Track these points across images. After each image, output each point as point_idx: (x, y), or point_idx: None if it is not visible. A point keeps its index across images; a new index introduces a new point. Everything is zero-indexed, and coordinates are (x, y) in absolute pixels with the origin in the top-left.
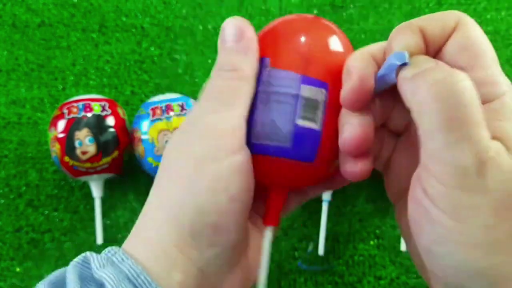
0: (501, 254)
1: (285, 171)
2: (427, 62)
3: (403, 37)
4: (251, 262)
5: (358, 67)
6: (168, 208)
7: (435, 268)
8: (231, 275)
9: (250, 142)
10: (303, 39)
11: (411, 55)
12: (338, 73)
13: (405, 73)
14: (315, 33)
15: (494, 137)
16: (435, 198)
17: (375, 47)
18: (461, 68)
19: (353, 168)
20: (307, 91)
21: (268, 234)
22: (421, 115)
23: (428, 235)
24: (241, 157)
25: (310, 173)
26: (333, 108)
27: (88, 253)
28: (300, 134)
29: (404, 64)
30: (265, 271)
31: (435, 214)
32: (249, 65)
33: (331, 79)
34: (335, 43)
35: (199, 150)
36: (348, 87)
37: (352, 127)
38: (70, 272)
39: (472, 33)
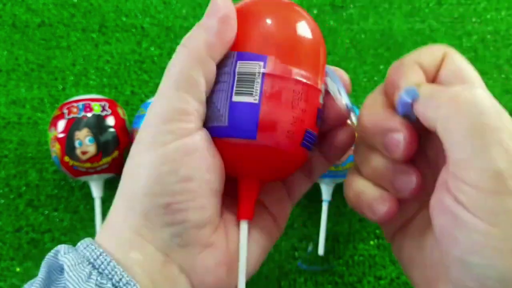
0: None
1: (242, 155)
2: (436, 86)
3: (410, 76)
4: (229, 246)
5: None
6: (123, 195)
7: (468, 280)
8: (203, 257)
9: (206, 126)
10: (250, 18)
11: (418, 87)
12: (284, 43)
13: (423, 96)
14: (262, 10)
15: None
16: (469, 204)
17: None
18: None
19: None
20: (242, 66)
21: (243, 228)
22: (446, 129)
23: (462, 244)
24: (190, 139)
25: (271, 156)
26: (277, 78)
27: (60, 245)
28: (235, 110)
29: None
30: (243, 268)
31: (470, 221)
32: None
33: (275, 50)
34: (280, 17)
35: (149, 135)
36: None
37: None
38: (42, 264)
39: (458, 61)
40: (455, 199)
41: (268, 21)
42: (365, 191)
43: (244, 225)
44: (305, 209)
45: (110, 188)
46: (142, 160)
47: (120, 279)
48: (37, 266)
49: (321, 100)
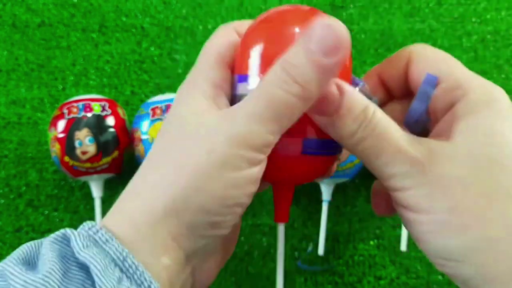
0: (467, 231)
1: (291, 166)
2: None
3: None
4: (228, 247)
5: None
6: (168, 197)
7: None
8: (209, 259)
9: None
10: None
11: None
12: (265, 60)
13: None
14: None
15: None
16: (402, 203)
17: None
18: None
19: None
20: (240, 89)
21: (281, 230)
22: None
23: (415, 238)
24: (258, 169)
25: (311, 162)
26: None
27: (67, 230)
28: None
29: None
30: (281, 266)
31: (407, 216)
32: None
33: (256, 68)
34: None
35: (222, 153)
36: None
37: None
38: (47, 249)
39: (427, 58)
40: (396, 203)
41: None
42: None
43: (281, 228)
44: (305, 209)
45: (110, 188)
46: (206, 175)
47: (150, 286)
48: None
49: None
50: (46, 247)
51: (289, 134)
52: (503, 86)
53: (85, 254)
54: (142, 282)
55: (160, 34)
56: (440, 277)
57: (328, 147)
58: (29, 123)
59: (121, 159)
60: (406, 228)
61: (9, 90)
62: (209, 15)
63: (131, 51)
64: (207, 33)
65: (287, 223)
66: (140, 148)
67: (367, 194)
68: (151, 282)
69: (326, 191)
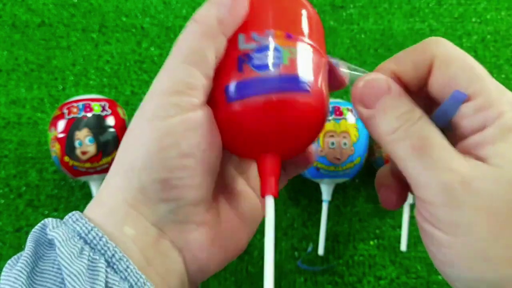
0: (508, 267)
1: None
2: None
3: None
4: (222, 225)
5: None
6: (120, 169)
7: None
8: (197, 234)
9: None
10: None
11: None
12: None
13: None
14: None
15: (481, 159)
16: (432, 220)
17: None
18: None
19: None
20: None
21: (269, 202)
22: (400, 160)
23: (438, 260)
24: (195, 114)
25: (293, 109)
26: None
27: (47, 219)
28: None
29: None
30: (271, 245)
31: (437, 235)
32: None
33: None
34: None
35: (153, 107)
36: None
37: None
38: (29, 238)
39: (453, 66)
40: (423, 218)
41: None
42: None
43: (269, 200)
44: (305, 209)
45: None
46: (143, 133)
47: (113, 255)
48: None
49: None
50: (29, 238)
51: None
52: (503, 85)
53: (53, 232)
54: (106, 251)
55: (160, 34)
56: (440, 277)
57: (268, 86)
58: (29, 123)
59: None
60: (428, 246)
61: (9, 90)
62: None
63: (131, 51)
64: None
65: (286, 223)
66: None
67: (367, 194)
68: (114, 251)
69: (326, 191)
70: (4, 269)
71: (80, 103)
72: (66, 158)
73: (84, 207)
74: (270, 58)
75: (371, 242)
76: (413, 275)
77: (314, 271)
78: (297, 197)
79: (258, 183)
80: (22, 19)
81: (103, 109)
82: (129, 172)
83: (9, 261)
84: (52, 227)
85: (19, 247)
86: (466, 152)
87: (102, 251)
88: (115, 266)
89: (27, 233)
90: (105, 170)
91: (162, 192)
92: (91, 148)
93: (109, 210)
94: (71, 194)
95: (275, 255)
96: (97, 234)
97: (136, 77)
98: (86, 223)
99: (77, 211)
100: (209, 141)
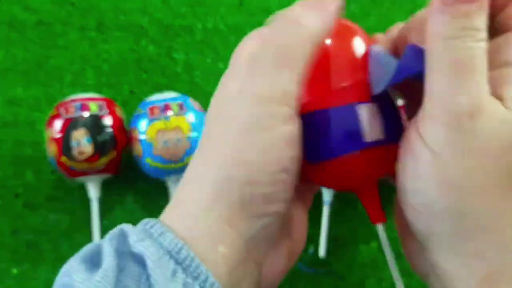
0: (477, 200)
1: (380, 163)
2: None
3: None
4: (294, 238)
5: None
6: (212, 182)
7: (407, 210)
8: (273, 251)
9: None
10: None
11: None
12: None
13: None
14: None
15: (497, 97)
16: (426, 137)
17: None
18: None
19: None
20: None
21: (381, 230)
22: (433, 63)
23: (407, 173)
24: (291, 127)
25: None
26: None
27: (125, 225)
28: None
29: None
30: (394, 267)
31: (421, 151)
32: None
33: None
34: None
35: (247, 115)
36: None
37: None
38: (107, 245)
39: None
40: (418, 133)
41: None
42: None
43: (380, 228)
44: None
45: (108, 189)
46: (239, 143)
47: (206, 279)
48: (34, 268)
49: None
50: (106, 244)
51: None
52: None
53: (140, 247)
54: (199, 275)
55: (159, 33)
56: None
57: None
58: (26, 122)
59: (119, 160)
60: (404, 169)
61: (5, 89)
62: (208, 14)
63: (129, 50)
64: (206, 32)
65: None
66: (138, 148)
67: None
68: (207, 275)
69: (327, 192)
70: (74, 271)
71: (77, 103)
72: (63, 159)
73: (83, 208)
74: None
75: (373, 244)
76: (415, 277)
77: (315, 273)
78: None
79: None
80: (19, 17)
81: (101, 108)
82: (225, 185)
83: (76, 263)
84: (137, 239)
85: (16, 249)
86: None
87: (195, 274)
88: None
89: (24, 235)
90: (103, 171)
91: (262, 207)
92: (88, 148)
93: (200, 226)
94: (69, 195)
95: None
96: (188, 254)
97: (135, 76)
98: (174, 238)
99: (157, 220)
100: (298, 153)
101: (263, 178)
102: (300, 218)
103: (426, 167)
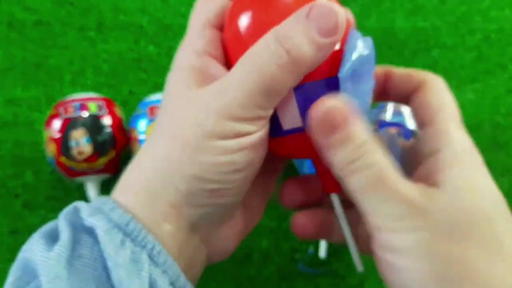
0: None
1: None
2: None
3: None
4: (249, 211)
5: None
6: (164, 171)
7: None
8: (226, 226)
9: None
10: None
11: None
12: None
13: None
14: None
15: (434, 183)
16: (390, 246)
17: None
18: (421, 122)
19: None
20: None
21: (335, 201)
22: (353, 192)
23: (399, 281)
24: (255, 136)
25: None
26: None
27: (78, 202)
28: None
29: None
30: (349, 234)
31: (396, 262)
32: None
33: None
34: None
35: (213, 123)
36: None
37: None
38: (62, 221)
39: (432, 94)
40: (380, 245)
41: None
42: None
43: (335, 198)
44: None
45: (107, 189)
46: (196, 144)
47: (153, 247)
48: None
49: None
50: (61, 221)
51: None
52: (506, 85)
53: (92, 219)
54: (146, 244)
55: (159, 33)
56: None
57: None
58: (25, 122)
59: (118, 160)
60: (384, 273)
61: (5, 89)
62: None
63: (129, 50)
64: None
65: (287, 225)
66: (137, 148)
67: None
68: (154, 244)
69: None
70: (34, 246)
71: (77, 103)
72: (62, 159)
73: None
74: None
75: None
76: None
77: (315, 273)
78: None
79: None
80: (18, 17)
81: (100, 108)
82: (176, 176)
83: (37, 239)
84: (89, 214)
85: (16, 249)
86: (423, 178)
87: (143, 243)
88: (155, 259)
89: (24, 235)
90: (102, 171)
91: (208, 199)
92: (87, 148)
93: (149, 205)
94: (68, 195)
95: (275, 257)
96: (136, 226)
97: (134, 76)
98: (124, 213)
99: (109, 198)
100: (260, 154)
101: (213, 177)
102: (256, 193)
103: (410, 275)
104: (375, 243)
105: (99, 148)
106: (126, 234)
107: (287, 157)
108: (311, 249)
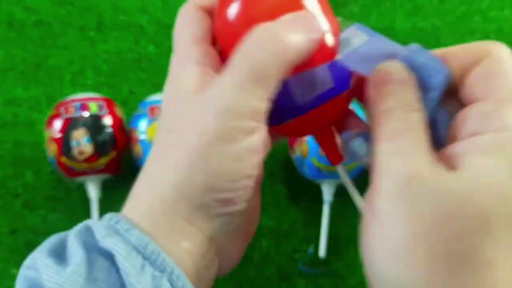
0: (423, 273)
1: (340, 109)
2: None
3: None
4: (249, 220)
5: None
6: (174, 185)
7: (371, 284)
8: (236, 235)
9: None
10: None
11: None
12: None
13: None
14: None
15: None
16: (373, 206)
17: None
18: (476, 98)
19: None
20: None
21: (341, 171)
22: (374, 134)
23: (363, 245)
24: (256, 137)
25: (344, 99)
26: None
27: (89, 221)
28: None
29: None
30: (357, 196)
31: (370, 221)
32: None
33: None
34: None
35: (213, 126)
36: None
37: None
38: (73, 240)
39: (494, 66)
40: (369, 208)
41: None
42: None
43: (340, 168)
44: (306, 210)
45: (108, 189)
46: (203, 152)
47: (172, 271)
48: None
49: None
50: (71, 239)
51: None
52: None
53: (108, 242)
54: (165, 268)
55: (159, 33)
56: None
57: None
58: (25, 123)
59: (118, 160)
60: (366, 240)
61: (5, 89)
62: None
63: (129, 50)
64: None
65: (287, 225)
66: (138, 148)
67: None
68: (173, 267)
69: (327, 191)
70: (39, 264)
71: (77, 103)
72: (63, 159)
73: (82, 208)
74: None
75: None
76: None
77: (315, 273)
78: (298, 198)
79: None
80: (18, 17)
81: (100, 108)
82: (188, 189)
83: (44, 256)
84: (104, 235)
85: (16, 249)
86: (448, 155)
87: (162, 267)
88: (174, 283)
89: (24, 235)
90: (103, 171)
91: (222, 209)
92: (88, 148)
93: (164, 223)
94: (69, 195)
95: (275, 257)
96: (155, 249)
97: (134, 76)
98: (140, 234)
99: (122, 216)
100: (264, 156)
101: (224, 186)
102: (253, 200)
103: (374, 238)
104: (367, 198)
105: (100, 148)
106: (145, 258)
107: (292, 136)
108: (311, 249)
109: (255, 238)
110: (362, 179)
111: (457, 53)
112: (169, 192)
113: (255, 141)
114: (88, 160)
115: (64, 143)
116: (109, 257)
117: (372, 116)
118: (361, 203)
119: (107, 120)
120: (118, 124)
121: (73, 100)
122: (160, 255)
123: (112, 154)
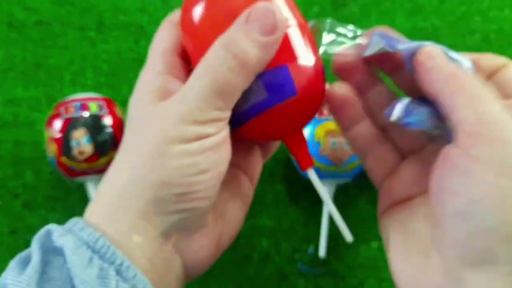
0: None
1: (288, 115)
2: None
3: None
4: (225, 222)
5: None
6: (131, 181)
7: (461, 234)
8: (199, 235)
9: (239, 113)
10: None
11: None
12: None
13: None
14: None
15: None
16: (481, 157)
17: None
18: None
19: None
20: None
21: (311, 173)
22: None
23: (464, 196)
24: (213, 139)
25: (309, 102)
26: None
27: (51, 225)
28: (270, 79)
29: None
30: (332, 206)
31: (480, 171)
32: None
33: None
34: None
35: (172, 127)
36: None
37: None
38: (34, 245)
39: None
40: (466, 153)
41: None
42: None
43: (311, 171)
44: (306, 210)
45: None
46: (159, 149)
47: (122, 263)
48: None
49: None
50: (33, 245)
51: None
52: None
53: (61, 241)
54: (114, 260)
55: None
56: None
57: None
58: (25, 123)
59: None
60: (451, 185)
61: (5, 89)
62: None
63: (129, 50)
64: None
65: (287, 225)
66: None
67: (368, 195)
68: (122, 259)
69: (327, 191)
70: (8, 272)
71: (77, 103)
72: (63, 159)
73: (82, 208)
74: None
75: (373, 244)
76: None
77: (315, 273)
78: (298, 198)
79: (246, 165)
80: (18, 17)
81: (101, 108)
82: (142, 184)
83: (12, 265)
84: (59, 235)
85: (15, 249)
86: None
87: (111, 260)
88: (123, 274)
89: (24, 235)
90: (102, 171)
91: (177, 205)
92: (88, 148)
93: (117, 218)
94: (68, 195)
95: (275, 257)
96: (104, 243)
97: (134, 76)
98: (93, 231)
99: (80, 218)
100: (225, 156)
101: (179, 180)
102: (232, 203)
103: (489, 188)
104: (453, 147)
105: (100, 148)
106: (95, 251)
107: (260, 140)
108: (311, 249)
109: (255, 238)
110: (362, 179)
111: (485, 61)
112: (124, 188)
113: (212, 141)
114: (88, 160)
115: (64, 143)
116: (62, 254)
117: (439, 81)
118: (331, 207)
119: (107, 120)
120: (118, 124)
121: (73, 100)
122: (110, 249)
123: (112, 154)
